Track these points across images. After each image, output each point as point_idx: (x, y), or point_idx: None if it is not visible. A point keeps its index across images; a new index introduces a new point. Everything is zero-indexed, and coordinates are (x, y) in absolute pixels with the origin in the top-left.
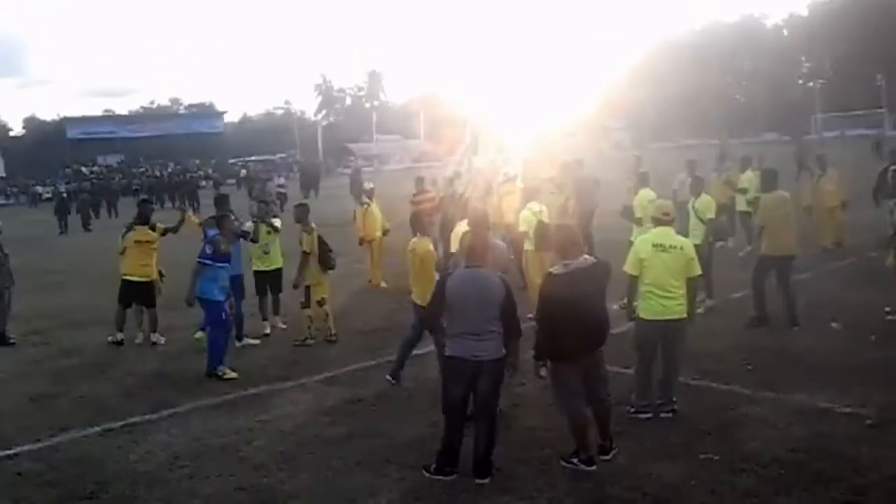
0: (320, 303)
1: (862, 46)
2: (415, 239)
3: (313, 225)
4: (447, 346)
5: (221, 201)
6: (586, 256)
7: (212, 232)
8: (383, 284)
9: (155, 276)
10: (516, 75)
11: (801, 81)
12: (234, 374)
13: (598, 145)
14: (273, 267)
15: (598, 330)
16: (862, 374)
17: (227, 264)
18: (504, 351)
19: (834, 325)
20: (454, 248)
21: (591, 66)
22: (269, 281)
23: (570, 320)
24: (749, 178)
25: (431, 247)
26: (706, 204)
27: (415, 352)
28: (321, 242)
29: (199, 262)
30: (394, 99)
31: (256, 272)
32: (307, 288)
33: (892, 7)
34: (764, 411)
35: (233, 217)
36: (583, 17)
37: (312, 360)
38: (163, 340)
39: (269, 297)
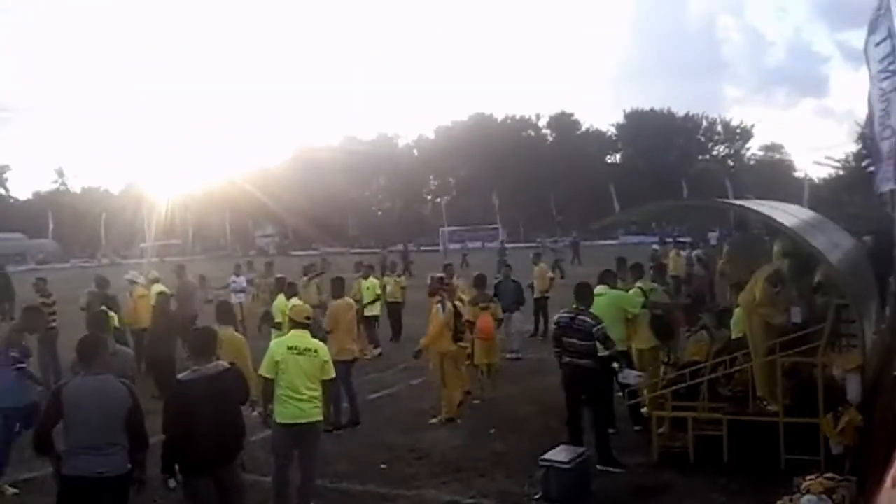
0: None
1: (479, 168)
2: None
3: None
4: (64, 464)
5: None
6: (218, 362)
7: None
8: None
9: None
10: (158, 171)
11: (429, 197)
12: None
13: (245, 251)
14: None
15: (232, 438)
16: (483, 466)
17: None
18: (129, 465)
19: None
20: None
21: (237, 171)
22: None
23: (201, 428)
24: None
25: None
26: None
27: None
28: None
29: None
30: (18, 194)
31: None
32: None
33: (499, 132)
34: None
35: None
36: (226, 124)
37: None
38: None
39: None
